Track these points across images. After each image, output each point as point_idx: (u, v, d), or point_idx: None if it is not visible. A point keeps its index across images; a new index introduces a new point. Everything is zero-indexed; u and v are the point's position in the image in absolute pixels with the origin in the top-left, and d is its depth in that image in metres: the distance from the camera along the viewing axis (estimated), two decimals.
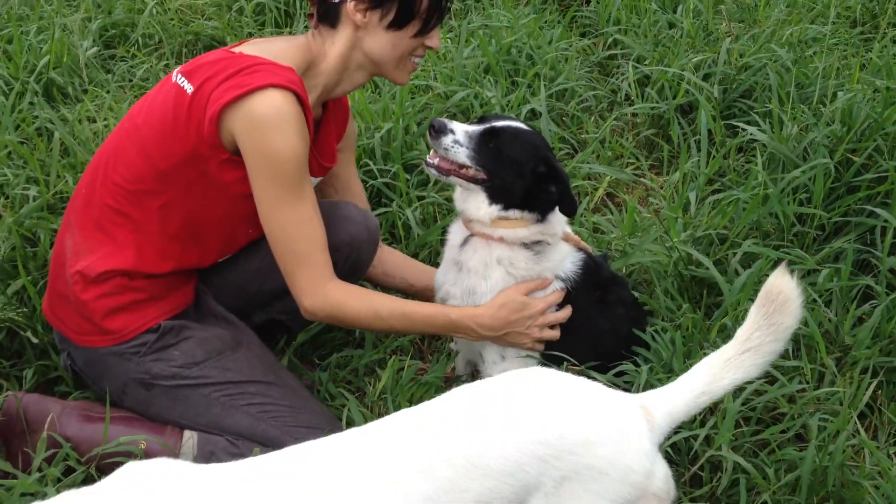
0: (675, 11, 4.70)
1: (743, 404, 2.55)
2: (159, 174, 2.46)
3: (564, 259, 2.62)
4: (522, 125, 2.53)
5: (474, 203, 2.49)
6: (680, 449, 2.55)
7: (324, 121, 2.71)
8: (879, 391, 2.83)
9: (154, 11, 4.62)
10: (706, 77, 4.08)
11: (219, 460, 2.42)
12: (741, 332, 2.05)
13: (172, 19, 4.65)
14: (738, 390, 2.56)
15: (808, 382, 2.68)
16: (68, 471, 2.48)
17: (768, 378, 2.67)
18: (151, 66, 4.28)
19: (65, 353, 2.66)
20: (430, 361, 2.97)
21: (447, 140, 2.43)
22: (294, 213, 2.44)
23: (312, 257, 2.48)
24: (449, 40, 4.41)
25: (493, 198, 2.47)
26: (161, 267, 2.56)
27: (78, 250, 2.54)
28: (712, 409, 2.55)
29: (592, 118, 4.12)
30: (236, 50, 2.49)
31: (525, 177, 2.45)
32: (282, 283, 2.58)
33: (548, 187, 2.47)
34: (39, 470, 2.40)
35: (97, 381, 2.61)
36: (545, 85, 3.98)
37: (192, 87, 2.39)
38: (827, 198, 3.29)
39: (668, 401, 2.03)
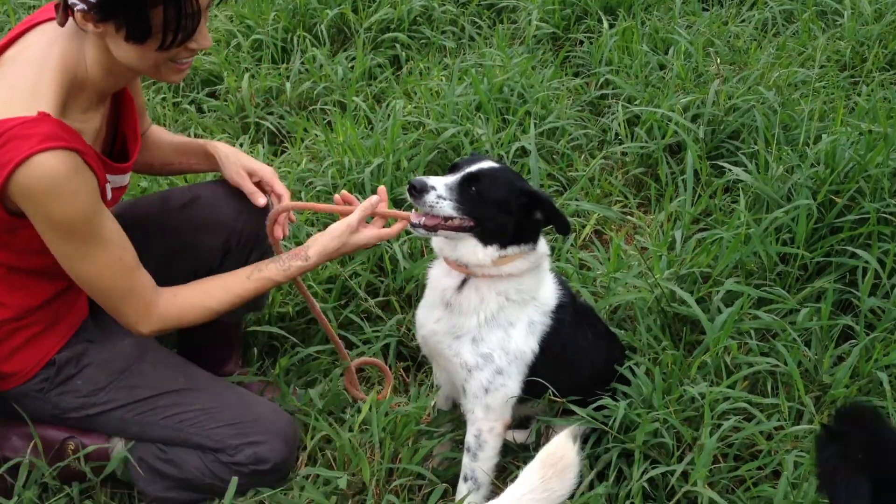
0: (666, 53, 4.77)
1: (721, 440, 2.58)
2: None
3: (551, 290, 2.64)
4: (493, 163, 2.53)
5: (468, 250, 2.47)
6: (658, 484, 2.57)
7: (121, 113, 2.56)
8: None
9: None
10: (695, 118, 4.14)
11: (150, 465, 2.56)
12: (513, 490, 1.87)
13: None
14: (716, 426, 2.58)
15: (786, 420, 2.70)
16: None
17: (746, 415, 2.70)
18: (149, 100, 4.33)
19: None
20: (411, 392, 2.99)
21: (431, 197, 2.41)
22: (99, 260, 2.32)
23: (132, 289, 2.40)
24: (443, 78, 4.48)
25: (486, 241, 2.46)
26: (37, 298, 2.47)
27: None
28: (690, 444, 2.58)
29: (582, 156, 4.17)
30: None
31: (513, 213, 2.45)
32: (192, 264, 2.66)
33: (533, 215, 2.48)
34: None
35: (21, 417, 2.55)
36: (535, 123, 4.03)
37: None
38: (809, 238, 3.33)
39: None
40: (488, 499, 2.61)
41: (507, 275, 2.49)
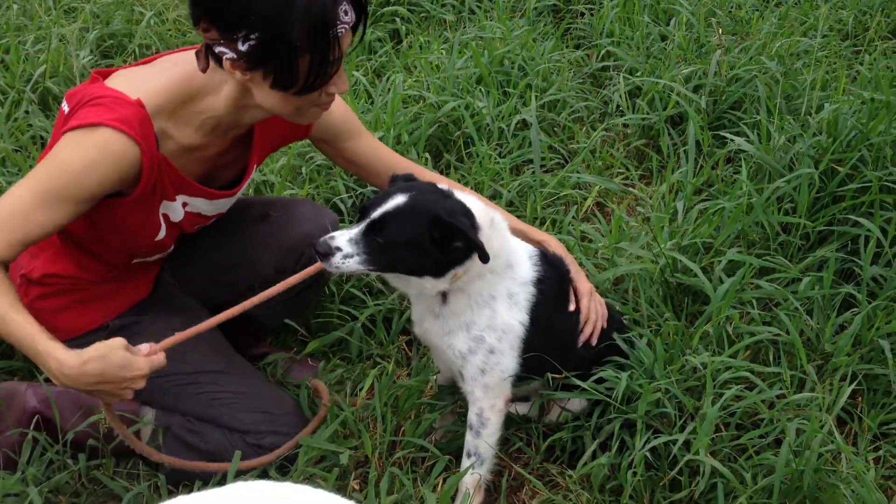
0: (668, 24, 4.74)
1: (723, 409, 2.58)
2: None
3: (525, 259, 2.59)
4: (403, 197, 2.36)
5: (414, 284, 2.44)
6: (660, 453, 2.58)
7: (252, 147, 2.66)
8: (860, 398, 2.86)
9: (152, 22, 4.67)
10: (696, 88, 4.12)
11: (176, 435, 2.64)
12: None
13: (170, 30, 4.70)
14: (718, 396, 2.59)
15: (787, 389, 2.70)
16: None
17: (748, 384, 2.70)
18: None
19: None
20: (413, 365, 2.99)
21: (336, 259, 2.33)
22: (18, 198, 2.31)
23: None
24: (443, 51, 4.45)
25: (420, 275, 2.40)
26: (101, 273, 2.60)
27: (25, 253, 2.52)
28: (692, 414, 2.58)
29: (584, 129, 4.15)
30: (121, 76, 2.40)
31: (428, 250, 2.34)
32: (249, 278, 2.68)
33: (453, 245, 2.35)
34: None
35: None
36: (536, 96, 4.01)
37: (67, 106, 2.37)
38: (812, 207, 3.32)
39: None
40: (492, 472, 2.63)
41: (470, 281, 2.46)
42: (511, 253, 2.54)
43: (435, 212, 2.33)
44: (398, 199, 2.36)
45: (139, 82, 2.35)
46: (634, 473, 2.51)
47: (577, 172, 3.77)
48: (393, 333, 3.13)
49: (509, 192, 3.56)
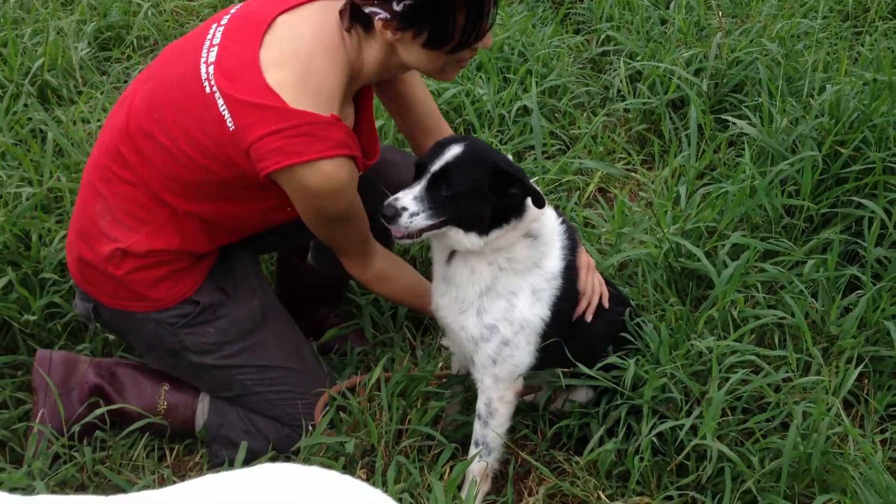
0: (667, 7, 4.71)
1: (729, 394, 2.57)
2: (197, 184, 2.45)
3: (556, 231, 2.57)
4: (458, 146, 2.39)
5: (456, 238, 2.43)
6: (667, 438, 2.58)
7: (362, 111, 2.64)
8: (866, 380, 2.85)
9: (149, 13, 4.65)
10: (697, 72, 4.10)
11: (227, 432, 2.68)
12: None
13: (168, 21, 4.68)
14: (724, 380, 2.58)
15: (793, 372, 2.69)
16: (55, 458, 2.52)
17: (754, 367, 2.69)
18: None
19: (89, 306, 2.69)
20: (419, 355, 2.99)
21: (404, 220, 2.35)
22: (345, 232, 2.54)
23: (363, 252, 2.64)
24: None
25: (468, 230, 2.41)
26: (205, 247, 2.62)
27: (115, 224, 2.53)
28: (698, 399, 2.58)
29: (585, 114, 4.14)
30: (271, 74, 2.30)
31: (486, 198, 2.37)
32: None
33: (508, 191, 2.39)
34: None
35: (123, 336, 2.77)
36: (537, 82, 4.00)
37: (232, 122, 2.29)
38: (815, 189, 3.30)
39: None
40: (500, 461, 2.63)
41: (494, 249, 2.45)
42: (538, 252, 2.51)
43: (493, 160, 2.39)
44: (455, 150, 2.38)
45: (316, 91, 2.31)
46: (641, 459, 2.51)
47: (579, 158, 3.75)
48: (399, 321, 3.13)
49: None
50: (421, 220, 2.35)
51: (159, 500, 1.44)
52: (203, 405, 2.75)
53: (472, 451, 2.60)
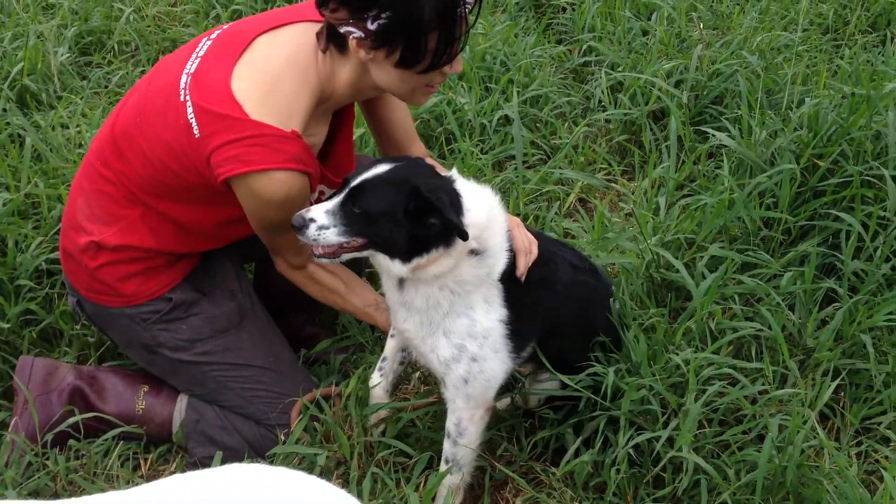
0: (649, 19, 4.73)
1: (706, 406, 2.58)
2: (168, 187, 2.52)
3: (505, 238, 2.46)
4: (384, 164, 2.35)
5: (383, 262, 2.37)
6: (644, 450, 2.58)
7: (341, 131, 2.71)
8: (842, 393, 2.86)
9: (131, 18, 4.63)
10: (678, 83, 4.12)
11: (204, 428, 2.71)
12: None
13: (149, 26, 4.67)
14: (701, 392, 2.58)
15: (770, 384, 2.70)
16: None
17: (731, 380, 2.70)
18: (127, 73, 4.29)
19: (74, 300, 2.79)
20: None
21: (311, 231, 2.30)
22: (284, 237, 2.56)
23: (300, 252, 2.64)
24: None
25: (390, 254, 2.34)
26: (181, 249, 2.68)
27: (92, 218, 2.63)
28: (675, 410, 2.58)
29: (566, 124, 4.15)
30: (240, 88, 2.38)
31: (401, 223, 2.28)
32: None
33: (428, 221, 2.28)
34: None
35: (104, 330, 2.81)
36: (518, 91, 4.00)
37: (198, 130, 2.37)
38: (793, 202, 3.32)
39: None
40: (472, 474, 2.61)
41: (434, 276, 2.39)
42: (496, 255, 2.43)
43: (415, 184, 2.28)
44: (379, 169, 2.33)
45: (283, 106, 2.38)
46: (618, 471, 2.51)
47: (560, 168, 3.76)
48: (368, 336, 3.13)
49: (491, 188, 3.54)
50: (331, 235, 2.30)
51: (127, 500, 1.44)
52: (181, 406, 2.78)
53: (443, 467, 2.57)
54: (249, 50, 2.44)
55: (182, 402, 2.79)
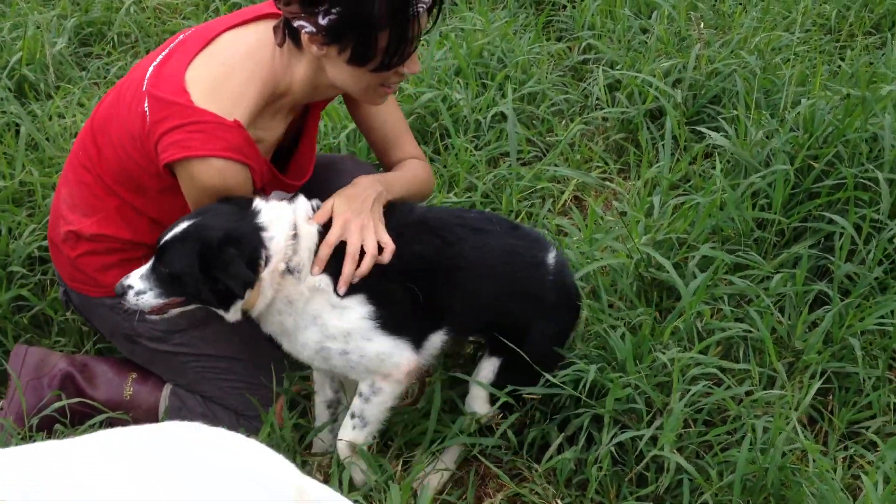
0: (650, 17, 4.72)
1: (690, 406, 2.58)
2: (136, 180, 2.56)
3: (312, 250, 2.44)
4: (185, 222, 2.36)
5: (213, 311, 2.44)
6: (627, 449, 2.58)
7: (304, 133, 2.73)
8: (831, 397, 2.85)
9: (132, 10, 4.64)
10: (676, 83, 4.10)
11: (186, 415, 2.72)
12: None
13: (150, 18, 4.67)
14: (685, 391, 2.58)
15: (756, 385, 2.70)
16: None
17: (718, 380, 2.69)
18: (125, 64, 4.30)
19: (62, 289, 2.85)
20: None
21: (130, 298, 2.35)
22: None
23: None
24: (424, 42, 4.42)
25: (210, 306, 2.40)
26: (154, 238, 2.66)
27: (73, 208, 2.68)
28: (661, 409, 2.57)
29: (563, 122, 4.14)
30: (191, 81, 2.41)
31: (201, 282, 2.32)
32: None
33: (218, 278, 2.32)
34: None
35: (89, 320, 2.86)
36: (514, 88, 3.99)
37: (149, 118, 2.41)
38: (787, 204, 3.30)
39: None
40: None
41: (266, 307, 2.42)
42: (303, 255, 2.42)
43: (205, 238, 2.31)
44: (181, 225, 2.35)
45: (231, 96, 2.40)
46: (600, 468, 2.51)
47: (555, 166, 3.75)
48: None
49: (484, 184, 3.54)
50: (149, 299, 2.35)
51: (53, 450, 1.48)
52: (167, 393, 2.81)
53: (347, 422, 2.54)
54: (213, 44, 2.47)
55: (167, 389, 2.82)
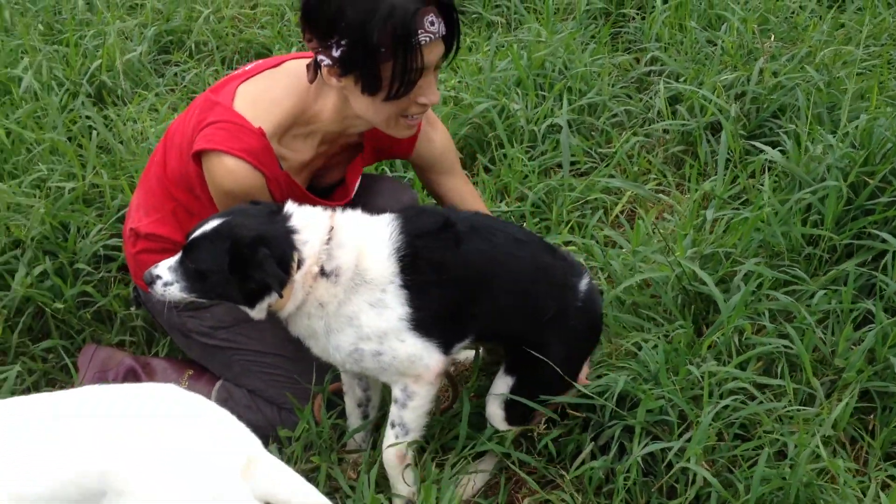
0: (719, 29, 4.68)
1: (722, 420, 2.58)
2: (191, 181, 2.69)
3: (383, 254, 2.47)
4: (214, 221, 2.41)
5: (239, 308, 2.49)
6: (658, 460, 2.59)
7: (351, 169, 2.87)
8: (872, 416, 2.81)
9: (210, 19, 4.81)
10: (739, 96, 4.08)
11: (232, 406, 2.77)
12: None
13: (227, 27, 4.84)
14: (716, 405, 2.58)
15: (791, 402, 2.68)
16: None
17: (749, 395, 2.69)
18: (200, 72, 4.46)
19: (133, 288, 3.06)
20: None
21: (158, 288, 2.42)
22: None
23: None
24: (486, 53, 4.48)
25: (235, 303, 2.46)
26: None
27: (138, 207, 2.87)
28: (694, 422, 2.58)
29: (624, 133, 4.14)
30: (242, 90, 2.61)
31: (228, 280, 2.37)
32: None
33: (250, 275, 2.36)
34: None
35: (152, 315, 3.04)
36: (570, 99, 4.02)
37: (199, 115, 2.62)
38: (840, 220, 3.26)
39: (277, 474, 1.95)
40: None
41: (296, 309, 2.46)
42: (363, 265, 2.46)
43: (235, 238, 2.36)
44: (211, 224, 2.40)
45: (264, 107, 2.58)
46: (626, 478, 2.53)
47: (612, 177, 3.77)
48: None
49: (535, 194, 3.59)
50: (175, 291, 2.42)
51: (39, 402, 1.87)
52: (217, 387, 2.96)
53: (388, 433, 2.58)
54: (277, 68, 2.67)
55: (218, 384, 2.97)
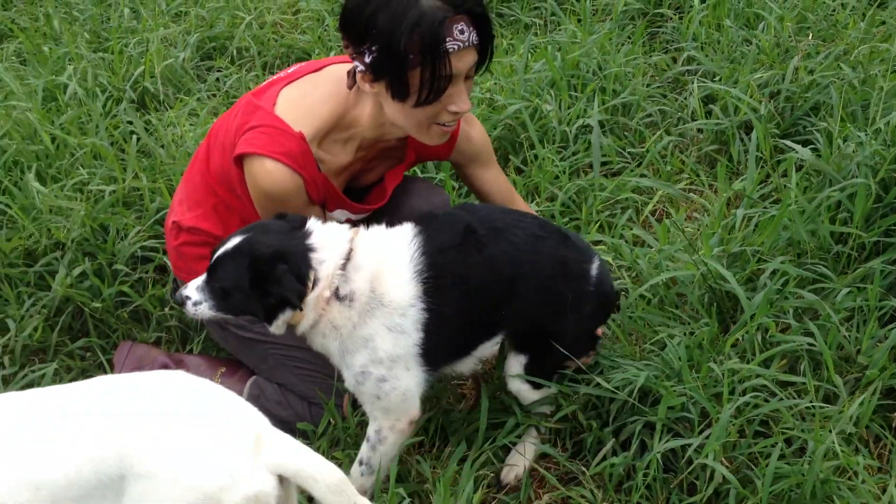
0: (757, 28, 4.66)
1: (743, 416, 2.59)
2: (232, 179, 2.79)
3: (404, 277, 2.51)
4: (237, 237, 2.47)
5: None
6: (679, 456, 2.61)
7: (389, 177, 2.95)
8: None
9: (252, 25, 4.92)
10: (774, 94, 4.06)
11: (263, 402, 2.91)
12: None
13: (268, 33, 4.94)
14: (744, 403, 2.59)
15: (815, 399, 2.68)
16: None
17: (771, 393, 2.69)
18: (241, 77, 4.57)
19: (172, 279, 3.18)
20: None
21: (189, 308, 2.50)
22: None
23: None
24: (526, 54, 4.51)
25: (257, 318, 2.50)
26: None
27: (181, 202, 2.99)
28: (715, 419, 2.60)
29: (658, 133, 4.15)
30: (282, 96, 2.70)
31: (249, 296, 2.42)
32: None
33: (269, 290, 2.40)
34: None
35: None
36: (603, 99, 4.04)
37: (241, 117, 2.72)
38: (869, 218, 3.24)
39: (286, 447, 2.01)
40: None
41: (309, 327, 2.50)
42: (381, 289, 2.49)
43: (256, 254, 2.40)
44: (231, 242, 2.46)
45: (305, 111, 2.66)
46: (646, 474, 2.55)
47: (643, 176, 3.78)
48: None
49: (565, 193, 3.61)
50: (205, 310, 2.49)
51: (53, 393, 1.98)
52: (249, 383, 3.04)
53: (355, 469, 2.63)
54: (317, 73, 2.75)
55: (251, 381, 3.04)
